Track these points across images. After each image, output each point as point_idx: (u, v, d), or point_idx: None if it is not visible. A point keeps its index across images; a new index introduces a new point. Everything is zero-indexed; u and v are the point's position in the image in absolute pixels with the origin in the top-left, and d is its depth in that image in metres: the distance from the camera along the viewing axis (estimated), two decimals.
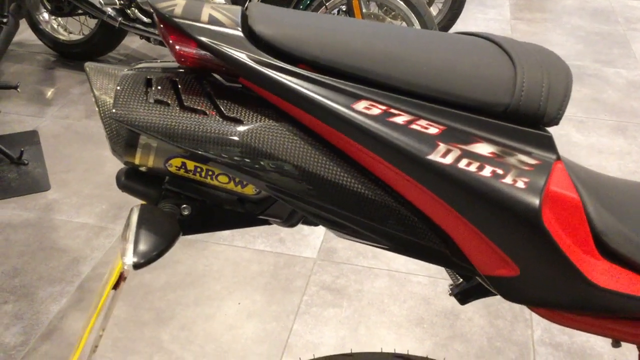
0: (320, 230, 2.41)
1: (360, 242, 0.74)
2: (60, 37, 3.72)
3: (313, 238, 2.39)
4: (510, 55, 0.68)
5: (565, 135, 3.16)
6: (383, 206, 0.68)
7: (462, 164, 0.63)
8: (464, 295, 0.93)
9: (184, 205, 0.73)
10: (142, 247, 0.66)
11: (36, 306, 2.05)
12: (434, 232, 0.69)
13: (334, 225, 0.70)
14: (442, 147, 0.63)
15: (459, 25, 4.27)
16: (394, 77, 0.66)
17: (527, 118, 0.66)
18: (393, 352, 0.96)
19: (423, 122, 0.65)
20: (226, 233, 2.40)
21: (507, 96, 0.65)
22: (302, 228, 2.44)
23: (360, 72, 0.66)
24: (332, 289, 2.18)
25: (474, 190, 0.63)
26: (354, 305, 2.11)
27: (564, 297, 0.68)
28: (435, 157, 0.63)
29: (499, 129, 0.66)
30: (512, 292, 0.69)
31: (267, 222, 0.78)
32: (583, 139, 3.13)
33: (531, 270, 0.66)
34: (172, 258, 2.28)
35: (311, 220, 0.73)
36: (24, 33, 3.91)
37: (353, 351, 1.65)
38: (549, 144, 0.66)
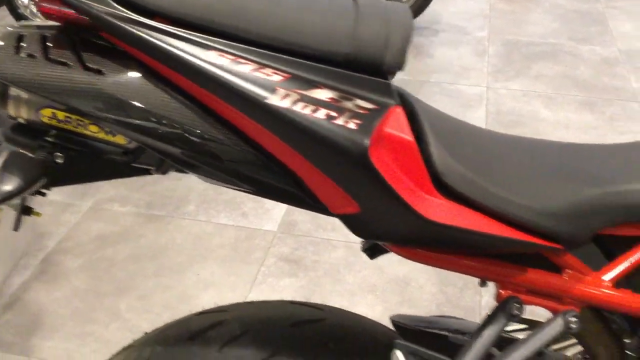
0: (283, 204, 2.47)
1: (229, 187, 0.80)
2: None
3: (275, 212, 2.45)
4: (358, 5, 0.73)
5: (534, 111, 3.20)
6: (240, 151, 0.73)
7: (298, 107, 0.68)
8: (372, 250, 0.99)
9: (58, 154, 0.78)
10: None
11: None
12: (286, 174, 0.74)
13: (196, 169, 0.76)
14: (281, 92, 0.68)
15: (437, 6, 4.30)
16: (242, 28, 0.71)
17: (367, 66, 0.71)
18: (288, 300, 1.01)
19: (268, 71, 0.70)
20: (190, 208, 2.46)
21: (346, 45, 0.70)
22: (265, 202, 2.50)
23: (211, 24, 0.71)
24: (290, 260, 2.24)
25: (308, 131, 0.68)
26: (309, 275, 2.17)
27: (402, 232, 0.73)
28: (273, 101, 0.68)
29: (340, 77, 0.71)
30: (358, 228, 0.74)
31: (145, 172, 0.84)
32: (551, 115, 3.17)
33: (369, 207, 0.72)
34: (136, 232, 2.34)
35: (177, 166, 0.78)
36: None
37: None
38: (386, 90, 0.71)
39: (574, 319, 0.83)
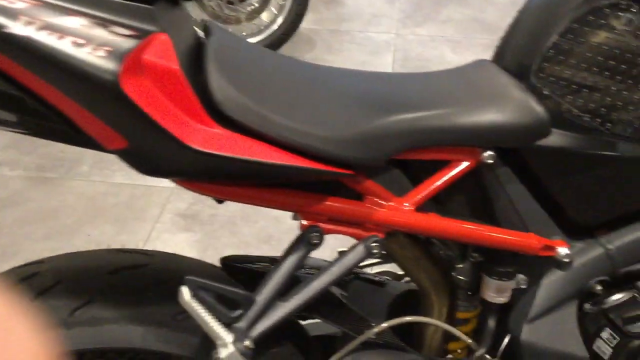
0: None
1: (3, 129, 0.75)
2: None
3: None
4: None
5: (440, 55, 3.20)
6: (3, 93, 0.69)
7: (40, 35, 0.63)
8: None
9: None
10: None
11: None
12: (52, 112, 0.70)
13: None
14: (23, 19, 0.64)
15: None
16: None
17: None
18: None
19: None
20: (84, 168, 2.39)
21: None
22: None
23: None
24: (186, 215, 2.20)
25: (52, 59, 0.63)
26: (205, 229, 2.15)
27: (178, 166, 0.71)
28: (14, 29, 0.63)
29: (97, 3, 0.67)
30: (133, 163, 0.71)
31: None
32: (456, 58, 3.18)
33: (136, 140, 0.68)
34: (25, 196, 2.26)
35: None
36: None
37: None
38: (148, 17, 0.67)
39: (374, 244, 0.82)
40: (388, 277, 1.17)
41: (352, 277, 1.11)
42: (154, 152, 0.69)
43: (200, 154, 0.69)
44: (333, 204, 0.81)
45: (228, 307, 0.77)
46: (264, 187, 0.79)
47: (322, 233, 0.81)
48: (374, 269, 1.18)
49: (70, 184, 2.32)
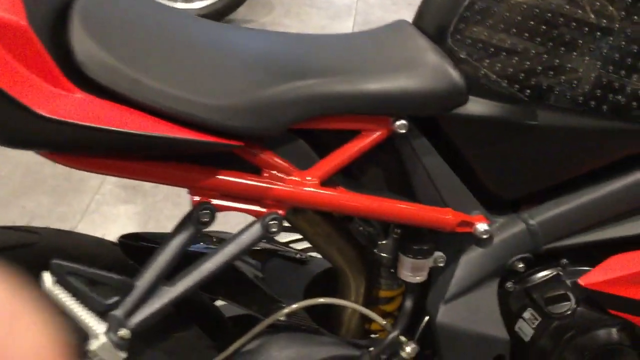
0: None
1: None
2: None
3: None
4: None
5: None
6: None
7: None
8: None
9: None
10: None
11: None
12: None
13: None
14: None
15: None
16: None
17: None
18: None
19: None
20: None
21: None
22: None
23: None
24: (128, 186, 2.11)
25: None
26: (147, 201, 2.06)
27: (29, 135, 0.63)
28: None
29: None
30: None
31: None
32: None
33: None
34: None
35: None
36: None
37: None
38: None
39: (273, 222, 0.75)
40: (312, 254, 1.10)
41: (270, 254, 1.05)
42: (0, 121, 0.61)
43: (56, 122, 0.61)
44: (226, 178, 0.73)
45: (106, 294, 0.70)
46: (148, 159, 0.71)
47: (214, 210, 0.74)
48: (300, 244, 1.12)
49: (6, 152, 2.21)
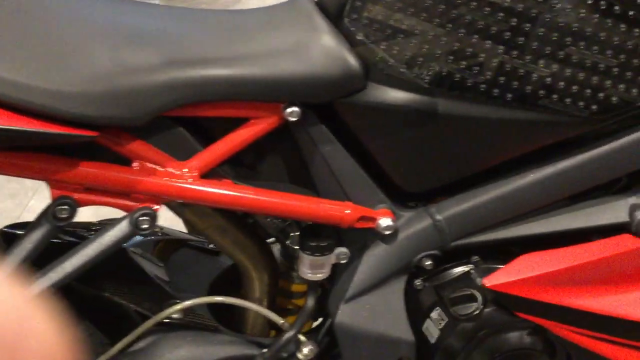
0: None
1: None
2: None
3: None
4: None
5: None
6: None
7: None
8: None
9: None
10: None
11: None
12: None
13: None
14: None
15: None
16: None
17: None
18: None
19: None
20: None
21: None
22: None
23: None
24: None
25: None
26: None
27: None
28: None
29: None
30: None
31: None
32: None
33: None
34: None
35: None
36: None
37: None
38: None
39: (143, 219, 0.70)
40: None
41: (181, 244, 0.99)
42: None
43: None
44: (88, 170, 0.67)
45: None
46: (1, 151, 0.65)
47: (74, 205, 0.68)
48: None
49: None
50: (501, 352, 0.80)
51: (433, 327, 0.83)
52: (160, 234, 0.98)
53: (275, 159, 0.79)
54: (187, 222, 0.82)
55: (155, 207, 0.71)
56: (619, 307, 0.77)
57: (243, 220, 0.85)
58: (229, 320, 0.91)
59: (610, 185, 0.81)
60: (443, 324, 0.82)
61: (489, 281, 0.77)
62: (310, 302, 0.83)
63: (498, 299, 0.79)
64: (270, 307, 0.90)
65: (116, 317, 0.87)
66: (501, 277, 0.78)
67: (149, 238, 0.96)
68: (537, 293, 0.77)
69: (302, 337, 0.83)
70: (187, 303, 0.80)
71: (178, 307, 0.80)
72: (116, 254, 0.90)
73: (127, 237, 0.70)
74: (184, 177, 0.71)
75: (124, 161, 0.70)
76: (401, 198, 0.81)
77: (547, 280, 0.77)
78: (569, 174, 0.76)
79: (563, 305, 0.77)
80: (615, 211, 0.77)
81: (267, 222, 0.92)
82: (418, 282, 0.83)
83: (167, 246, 0.97)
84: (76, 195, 0.68)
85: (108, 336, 0.84)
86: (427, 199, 0.82)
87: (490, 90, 0.71)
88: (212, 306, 0.91)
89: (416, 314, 0.84)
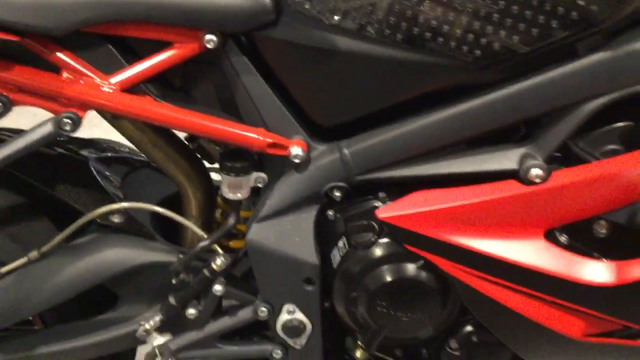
0: None
1: None
2: None
3: None
4: None
5: None
6: None
7: None
8: None
9: None
10: None
11: None
12: None
13: None
14: None
15: None
16: None
17: None
18: None
19: None
20: None
21: None
22: None
23: None
24: None
25: None
26: None
27: None
28: None
29: None
30: None
31: None
32: None
33: None
34: None
35: None
36: None
37: None
38: None
39: (68, 121, 0.80)
40: None
41: (142, 165, 1.10)
42: None
43: None
44: (23, 74, 0.78)
45: None
46: None
47: (8, 103, 0.79)
48: None
49: None
50: (391, 280, 0.85)
51: (337, 254, 0.90)
52: (121, 153, 1.10)
53: (202, 84, 0.87)
54: (122, 134, 0.91)
55: (80, 113, 0.81)
56: (502, 250, 0.81)
57: (177, 139, 0.94)
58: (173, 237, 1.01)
59: (511, 134, 0.84)
60: (344, 251, 0.88)
61: (382, 212, 0.83)
62: (232, 220, 0.91)
63: (392, 231, 0.84)
64: (207, 225, 0.99)
65: (68, 216, 0.99)
66: (393, 209, 0.83)
67: (110, 155, 1.08)
68: (425, 228, 0.81)
69: (218, 249, 0.91)
70: (115, 206, 0.90)
71: (113, 207, 0.91)
72: (77, 165, 1.03)
73: (51, 137, 0.81)
74: (106, 88, 0.80)
75: (54, 69, 0.80)
76: (319, 133, 0.88)
77: (435, 216, 0.81)
78: (465, 117, 0.80)
79: (449, 242, 0.81)
80: (507, 158, 0.81)
81: (211, 148, 1.01)
82: (330, 213, 0.90)
83: (126, 164, 1.07)
84: (11, 95, 0.79)
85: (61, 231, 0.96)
86: (344, 136, 0.88)
87: (382, 30, 0.76)
88: (158, 222, 1.02)
89: (327, 242, 0.91)
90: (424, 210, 0.81)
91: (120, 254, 0.93)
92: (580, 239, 0.84)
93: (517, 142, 0.82)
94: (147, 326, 0.95)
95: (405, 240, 0.83)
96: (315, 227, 0.88)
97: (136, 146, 0.92)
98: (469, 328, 0.93)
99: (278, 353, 0.96)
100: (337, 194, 0.87)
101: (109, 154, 1.09)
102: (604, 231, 0.83)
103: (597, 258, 0.83)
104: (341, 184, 0.87)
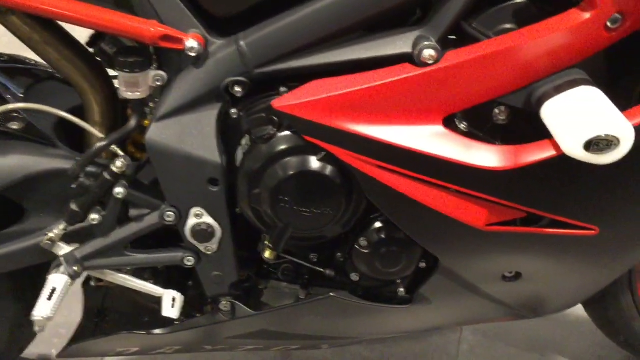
0: None
1: None
2: None
3: None
4: None
5: None
6: None
7: None
8: None
9: None
10: None
11: None
12: None
13: None
14: None
15: None
16: None
17: None
18: None
19: None
20: None
21: None
22: None
23: None
24: None
25: None
26: None
27: None
28: None
29: None
30: None
31: None
32: None
33: None
34: None
35: None
36: None
37: None
38: None
39: None
40: None
41: (46, 76, 1.06)
42: None
43: None
44: None
45: None
46: None
47: None
48: None
49: None
50: (291, 174, 0.84)
51: (241, 152, 0.88)
52: (26, 65, 1.06)
53: None
54: (12, 32, 0.87)
55: None
56: (399, 137, 0.80)
57: (74, 39, 0.91)
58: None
59: (408, 18, 0.82)
60: (246, 148, 0.87)
61: (277, 103, 0.81)
62: (132, 121, 0.89)
63: (290, 122, 0.82)
64: (109, 130, 0.96)
65: None
66: (288, 99, 0.81)
67: (13, 66, 1.04)
68: (321, 117, 0.80)
69: (118, 151, 0.89)
70: (10, 106, 0.87)
71: (8, 107, 0.88)
72: None
73: None
74: None
75: None
76: (218, 28, 0.85)
77: (331, 104, 0.79)
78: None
79: (346, 130, 0.80)
80: (402, 42, 0.79)
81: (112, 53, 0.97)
82: (234, 111, 0.87)
83: (30, 76, 1.03)
84: None
85: None
86: (243, 30, 0.85)
87: None
88: (64, 134, 0.99)
89: (231, 142, 0.89)
90: (319, 98, 0.80)
91: (19, 161, 0.90)
92: (480, 126, 0.84)
93: (411, 25, 0.80)
94: (52, 234, 0.93)
95: (302, 130, 0.82)
96: (218, 126, 0.86)
97: (27, 45, 0.88)
98: (377, 225, 0.92)
99: (190, 260, 0.95)
100: (238, 89, 0.85)
101: (12, 65, 1.05)
102: (503, 117, 0.83)
103: (497, 144, 0.83)
104: (241, 78, 0.84)
